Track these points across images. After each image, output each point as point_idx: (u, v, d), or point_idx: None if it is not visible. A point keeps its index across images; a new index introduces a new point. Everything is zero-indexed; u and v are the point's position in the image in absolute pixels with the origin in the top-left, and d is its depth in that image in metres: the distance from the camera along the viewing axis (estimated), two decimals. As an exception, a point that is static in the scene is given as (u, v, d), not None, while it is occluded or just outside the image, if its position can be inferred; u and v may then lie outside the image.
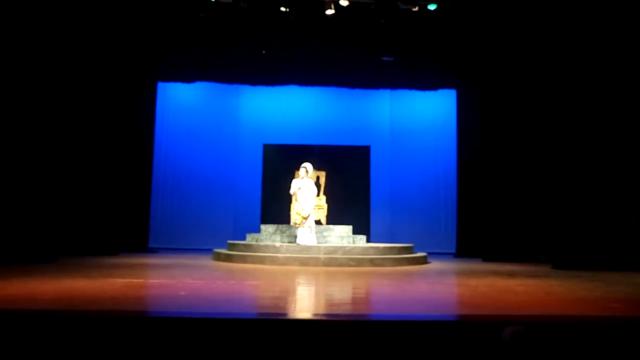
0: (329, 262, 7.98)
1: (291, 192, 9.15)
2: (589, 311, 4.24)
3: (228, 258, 8.55)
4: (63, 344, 3.16)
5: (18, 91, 8.37)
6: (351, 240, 9.39)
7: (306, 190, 9.03)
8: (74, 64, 9.40)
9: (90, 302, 4.18)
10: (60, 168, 9.02)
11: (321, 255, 8.18)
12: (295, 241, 8.93)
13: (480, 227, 10.59)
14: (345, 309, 4.31)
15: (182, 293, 4.88)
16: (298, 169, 9.22)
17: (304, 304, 4.70)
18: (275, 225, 9.63)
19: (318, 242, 9.02)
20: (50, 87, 8.77)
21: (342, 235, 9.43)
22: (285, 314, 3.98)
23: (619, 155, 8.57)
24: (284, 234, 9.38)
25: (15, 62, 8.34)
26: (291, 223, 9.21)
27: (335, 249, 8.49)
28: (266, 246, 8.74)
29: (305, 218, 8.85)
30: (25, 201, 8.25)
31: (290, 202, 9.56)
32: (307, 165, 9.26)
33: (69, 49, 9.18)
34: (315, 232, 9.29)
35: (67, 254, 8.76)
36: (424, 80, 11.61)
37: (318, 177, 10.48)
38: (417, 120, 12.34)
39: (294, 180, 9.19)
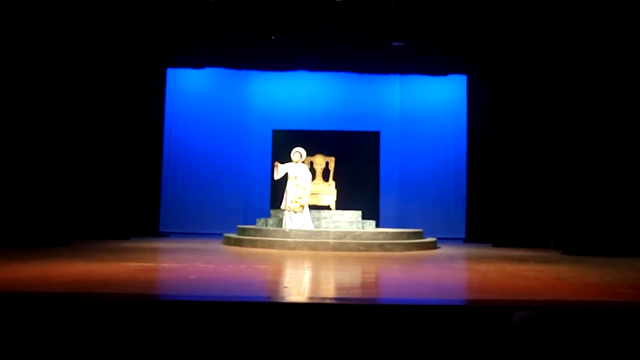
0: (338, 247, 8.01)
1: (277, 177, 8.94)
2: (600, 297, 4.21)
3: (238, 242, 8.61)
4: (76, 326, 3.21)
5: (31, 78, 8.45)
6: (360, 225, 9.40)
7: (302, 176, 8.92)
8: (85, 51, 9.43)
9: (103, 285, 4.24)
10: (73, 153, 9.12)
11: (330, 240, 8.21)
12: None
13: (490, 212, 10.56)
14: (354, 293, 4.34)
15: (193, 277, 4.93)
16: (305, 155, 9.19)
17: (314, 288, 4.73)
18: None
19: (327, 227, 9.03)
20: (61, 74, 8.84)
21: (351, 220, 9.43)
22: (294, 298, 4.01)
23: (632, 139, 8.46)
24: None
25: (28, 51, 8.40)
26: (283, 207, 8.91)
27: (345, 234, 8.51)
28: (276, 231, 8.78)
29: (303, 206, 8.82)
30: (39, 186, 8.37)
31: (284, 184, 9.16)
32: (301, 150, 9.11)
33: (79, 36, 9.21)
34: (325, 217, 9.30)
35: (81, 237, 8.91)
36: (434, 65, 11.47)
37: (327, 163, 10.48)
38: (427, 105, 12.26)
39: (287, 164, 9.00)
